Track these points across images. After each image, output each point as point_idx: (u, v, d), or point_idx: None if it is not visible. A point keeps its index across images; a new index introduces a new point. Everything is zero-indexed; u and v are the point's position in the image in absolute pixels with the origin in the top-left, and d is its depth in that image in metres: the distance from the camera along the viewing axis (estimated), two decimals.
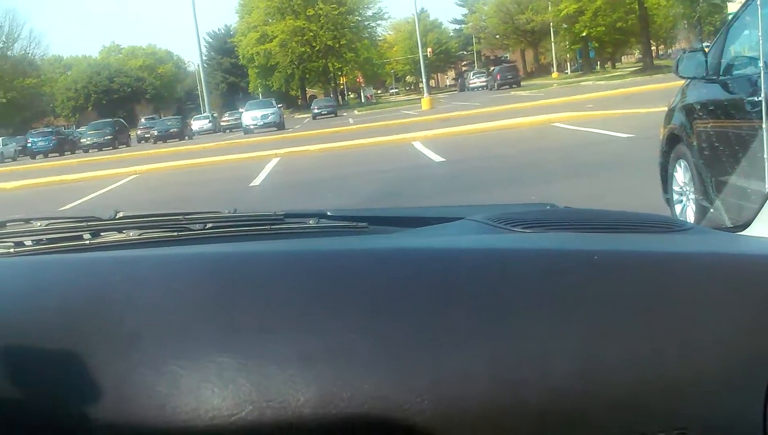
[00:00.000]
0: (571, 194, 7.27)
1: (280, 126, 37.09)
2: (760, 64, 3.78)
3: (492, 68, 70.06)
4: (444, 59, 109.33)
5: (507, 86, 58.15)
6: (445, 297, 1.04)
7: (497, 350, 0.99)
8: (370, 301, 1.03)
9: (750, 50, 4.52)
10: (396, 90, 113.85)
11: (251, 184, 12.40)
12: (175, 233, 1.39)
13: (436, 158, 12.96)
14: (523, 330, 1.00)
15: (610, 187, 7.57)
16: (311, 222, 1.44)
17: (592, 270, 1.08)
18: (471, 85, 69.82)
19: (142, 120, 55.26)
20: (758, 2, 3.74)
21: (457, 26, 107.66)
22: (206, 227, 1.41)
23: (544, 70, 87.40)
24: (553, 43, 74.10)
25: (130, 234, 1.39)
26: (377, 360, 0.97)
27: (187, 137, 44.20)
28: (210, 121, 48.67)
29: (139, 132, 49.55)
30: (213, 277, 1.08)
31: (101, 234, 1.40)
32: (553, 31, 70.08)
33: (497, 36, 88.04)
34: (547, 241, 1.24)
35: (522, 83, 62.52)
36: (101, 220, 1.42)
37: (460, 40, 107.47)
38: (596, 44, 64.75)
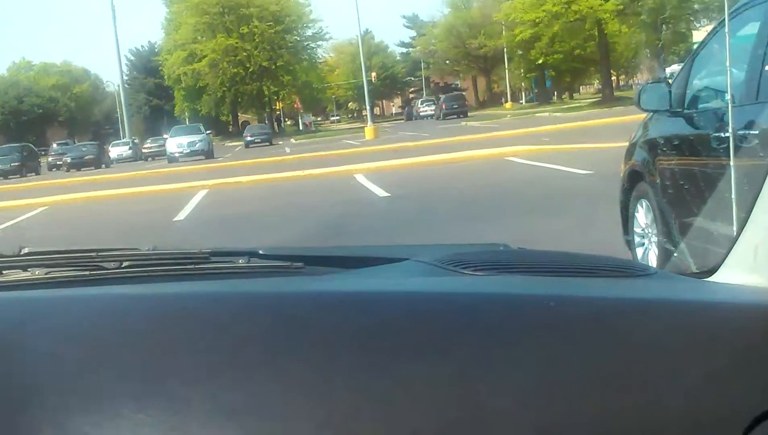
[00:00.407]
0: (526, 234, 7.39)
1: (208, 154, 37.10)
2: (728, 97, 3.86)
3: (441, 96, 70.68)
4: (390, 85, 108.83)
5: (455, 116, 58.80)
6: (387, 344, 1.03)
7: (442, 401, 0.98)
8: (303, 348, 1.01)
9: (717, 82, 4.61)
10: (337, 117, 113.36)
11: (175, 219, 12.35)
12: (87, 272, 1.37)
13: (381, 193, 13.02)
14: (470, 380, 1.00)
15: (566, 227, 7.69)
16: (240, 261, 1.43)
17: (547, 317, 1.08)
18: (421, 113, 70.19)
19: (54, 145, 54.55)
20: (726, 30, 3.83)
21: (405, 50, 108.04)
22: (122, 266, 1.40)
23: (497, 100, 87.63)
24: (507, 71, 74.39)
25: (36, 272, 1.37)
26: (310, 413, 0.95)
27: (104, 165, 43.77)
28: (130, 148, 48.40)
29: (50, 159, 48.84)
30: (128, 322, 1.06)
31: (3, 272, 1.38)
32: (507, 58, 70.15)
33: (447, 61, 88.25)
34: (499, 284, 1.25)
35: (473, 113, 63.36)
36: (4, 256, 1.40)
37: (407, 64, 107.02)
38: (553, 73, 65.38)
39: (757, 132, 3.76)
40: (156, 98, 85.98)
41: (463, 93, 73.74)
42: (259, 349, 1.02)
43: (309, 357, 1.01)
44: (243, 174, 19.67)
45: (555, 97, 77.64)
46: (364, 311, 1.10)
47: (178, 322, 1.07)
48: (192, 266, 1.40)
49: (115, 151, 48.35)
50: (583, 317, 1.09)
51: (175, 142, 37.74)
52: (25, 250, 1.42)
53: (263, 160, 27.28)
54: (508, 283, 1.26)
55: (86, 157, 43.48)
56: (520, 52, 62.27)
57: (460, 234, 7.91)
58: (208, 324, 1.06)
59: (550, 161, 14.86)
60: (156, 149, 47.51)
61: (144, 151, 49.54)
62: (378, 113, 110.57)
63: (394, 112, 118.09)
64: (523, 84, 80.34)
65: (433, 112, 67.41)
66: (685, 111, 4.74)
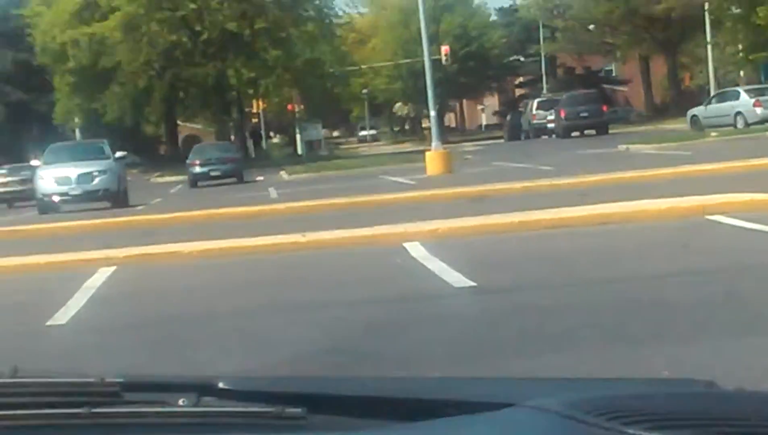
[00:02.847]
0: (751, 366, 5.84)
1: (119, 199, 25.04)
2: None
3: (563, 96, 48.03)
4: (477, 71, 67.30)
5: (592, 130, 42.12)
6: None
7: None
8: None
9: None
10: (373, 131, 79.72)
11: (50, 323, 9.10)
12: None
13: (456, 280, 9.62)
14: None
15: None
16: (181, 402, 1.17)
17: None
18: (543, 124, 47.22)
19: None
20: None
21: (507, 3, 70.26)
22: None
23: (691, 101, 52.23)
24: (709, 47, 44.61)
25: None
26: None
27: None
28: None
29: None
30: None
31: None
32: (710, 23, 42.11)
33: (591, 27, 56.84)
34: None
35: (643, 127, 44.21)
36: None
37: (512, 32, 69.66)
38: None
39: None
40: (18, 89, 55.21)
41: (599, 92, 49.67)
42: None
43: None
44: (184, 238, 14.08)
45: None
46: None
47: None
48: (86, 410, 1.10)
49: None
50: None
51: (54, 175, 24.71)
52: None
53: (225, 211, 19.37)
54: None
55: None
56: (737, 11, 37.18)
57: (616, 361, 6.14)
58: None
59: None
60: (15, 187, 31.21)
61: None
62: (453, 125, 77.04)
63: (484, 123, 79.80)
64: (741, 73, 48.71)
65: None
66: None
